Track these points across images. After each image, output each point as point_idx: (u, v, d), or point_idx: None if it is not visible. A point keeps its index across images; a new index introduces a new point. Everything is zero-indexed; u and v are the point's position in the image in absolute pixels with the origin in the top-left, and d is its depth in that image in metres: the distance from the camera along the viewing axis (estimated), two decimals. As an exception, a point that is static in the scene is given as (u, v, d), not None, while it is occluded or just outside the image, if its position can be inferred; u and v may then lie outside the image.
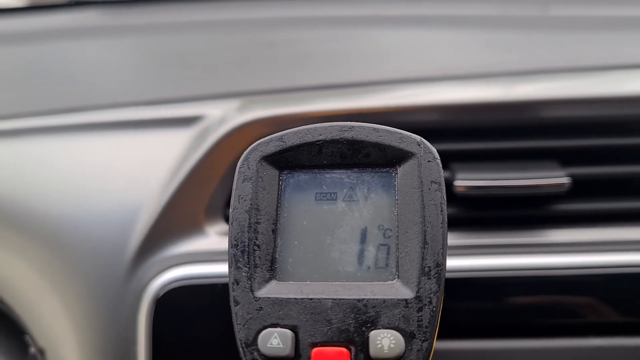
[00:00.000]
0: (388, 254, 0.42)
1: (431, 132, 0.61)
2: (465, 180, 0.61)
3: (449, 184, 0.61)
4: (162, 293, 0.61)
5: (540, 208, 0.63)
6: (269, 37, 0.87)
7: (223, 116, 0.67)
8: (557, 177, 0.60)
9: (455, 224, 0.63)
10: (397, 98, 0.68)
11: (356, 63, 0.81)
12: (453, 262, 0.60)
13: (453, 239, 0.62)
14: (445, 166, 0.62)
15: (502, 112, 0.64)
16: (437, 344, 0.58)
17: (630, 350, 0.59)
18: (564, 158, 0.63)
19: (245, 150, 0.45)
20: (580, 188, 0.62)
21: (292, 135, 0.44)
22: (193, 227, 0.65)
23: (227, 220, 0.65)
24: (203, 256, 0.63)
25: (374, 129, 0.43)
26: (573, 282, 0.60)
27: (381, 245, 0.42)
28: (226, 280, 0.42)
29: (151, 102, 0.74)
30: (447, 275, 0.59)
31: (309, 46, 0.85)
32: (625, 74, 0.71)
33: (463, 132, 0.64)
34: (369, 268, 0.42)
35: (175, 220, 0.64)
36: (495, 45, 0.82)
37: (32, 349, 0.70)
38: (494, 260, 0.61)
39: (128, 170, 0.68)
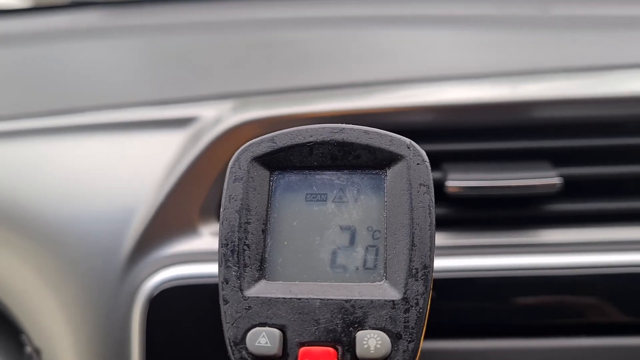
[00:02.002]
0: (376, 255, 0.42)
1: (423, 133, 0.61)
2: (457, 181, 0.61)
3: (441, 185, 0.61)
4: (155, 293, 0.61)
5: (532, 208, 0.63)
6: (266, 38, 0.87)
7: (218, 117, 0.68)
8: (548, 178, 0.61)
9: (447, 224, 0.63)
10: (390, 99, 0.68)
11: (353, 64, 0.81)
12: (445, 263, 0.61)
13: (445, 240, 0.63)
14: (437, 167, 0.63)
15: (494, 113, 0.64)
16: (427, 344, 0.59)
17: (619, 350, 0.59)
18: (556, 158, 0.63)
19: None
20: (572, 188, 0.62)
21: (283, 136, 0.44)
22: (187, 228, 0.65)
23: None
24: (197, 256, 0.63)
25: (364, 131, 0.44)
26: (565, 282, 0.60)
27: (370, 246, 0.43)
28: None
29: (146, 103, 0.74)
30: (440, 275, 0.60)
31: (305, 47, 0.85)
32: (619, 74, 0.71)
33: (455, 133, 0.64)
34: (357, 269, 0.42)
35: (169, 220, 0.64)
36: (492, 45, 0.82)
37: (28, 349, 0.70)
38: (486, 261, 0.61)
39: (123, 171, 0.68)
